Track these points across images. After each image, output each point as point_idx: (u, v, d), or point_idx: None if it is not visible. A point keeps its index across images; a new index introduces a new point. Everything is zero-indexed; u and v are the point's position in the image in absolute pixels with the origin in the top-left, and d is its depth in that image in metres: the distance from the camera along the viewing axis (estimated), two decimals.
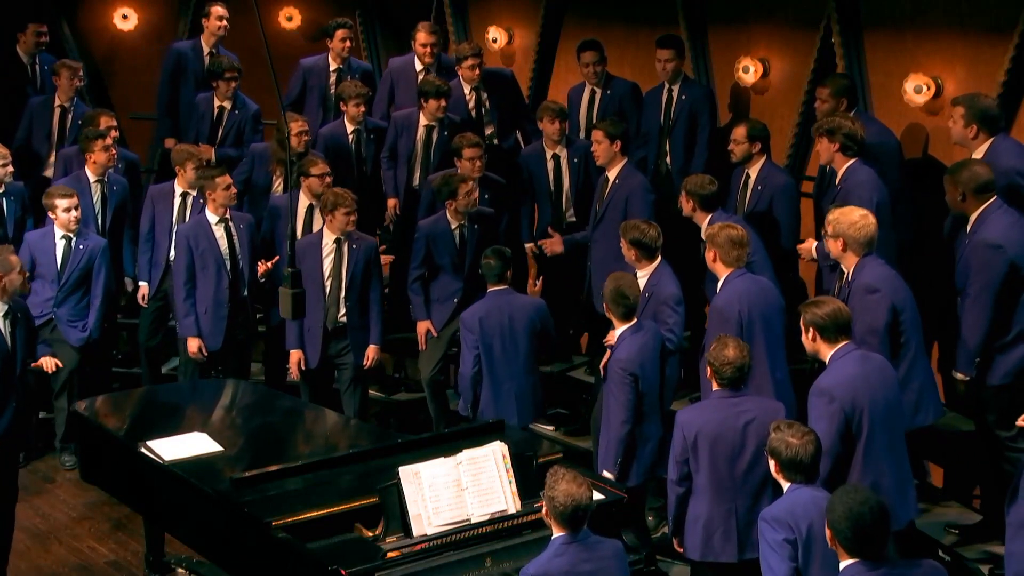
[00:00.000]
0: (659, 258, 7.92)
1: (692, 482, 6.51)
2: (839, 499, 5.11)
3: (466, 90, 10.41)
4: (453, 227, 9.12)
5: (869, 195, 7.74)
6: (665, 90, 9.73)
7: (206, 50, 11.13)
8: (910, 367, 7.13)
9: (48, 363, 8.83)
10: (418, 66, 10.60)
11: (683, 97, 9.67)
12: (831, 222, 7.20)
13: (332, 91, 10.79)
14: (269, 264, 9.07)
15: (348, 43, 10.83)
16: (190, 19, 12.16)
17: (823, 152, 8.06)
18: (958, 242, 7.62)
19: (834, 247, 7.20)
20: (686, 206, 8.31)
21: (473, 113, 10.41)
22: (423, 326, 9.21)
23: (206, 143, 10.59)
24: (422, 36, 10.55)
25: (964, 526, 7.72)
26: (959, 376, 7.45)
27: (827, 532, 5.14)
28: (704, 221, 8.23)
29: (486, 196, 9.41)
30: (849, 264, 7.19)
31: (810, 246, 8.17)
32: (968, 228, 7.43)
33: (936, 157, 8.68)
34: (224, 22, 11.06)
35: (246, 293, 9.23)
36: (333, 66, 10.86)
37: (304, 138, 9.65)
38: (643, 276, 7.87)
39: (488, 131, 10.44)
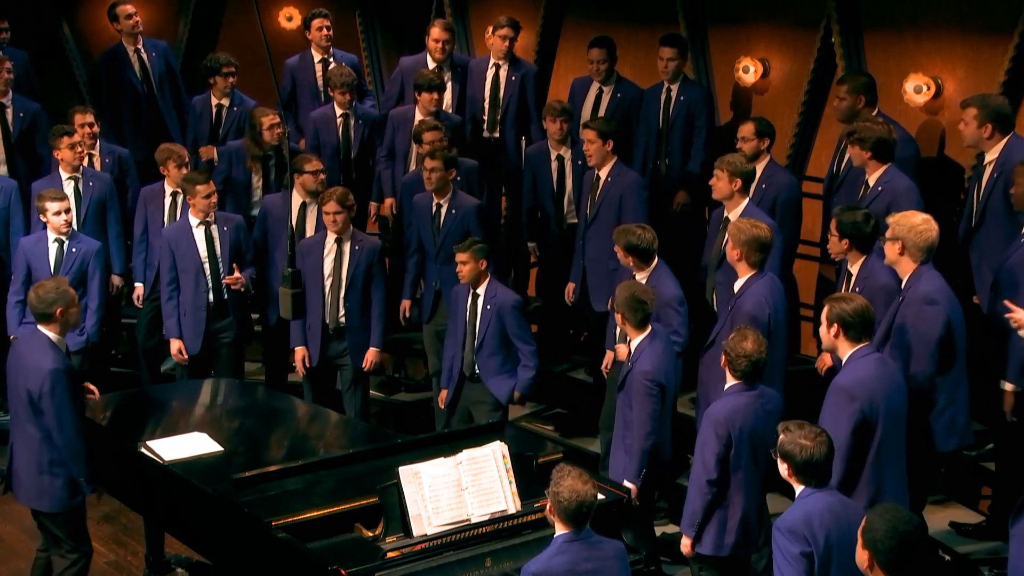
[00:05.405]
0: (656, 260, 7.86)
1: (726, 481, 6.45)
2: (880, 518, 4.85)
3: (488, 63, 10.33)
4: (432, 205, 9.10)
5: (914, 204, 7.52)
6: (664, 89, 9.68)
7: (131, 51, 11.00)
8: (955, 385, 6.89)
9: None
10: (430, 63, 10.43)
11: (681, 98, 9.62)
12: (891, 224, 6.88)
13: (322, 83, 10.76)
14: (239, 276, 9.01)
15: (325, 31, 10.74)
16: (190, 19, 12.15)
17: (855, 158, 7.88)
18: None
19: (891, 250, 6.87)
20: (726, 187, 7.99)
21: (488, 90, 10.27)
22: (405, 304, 9.36)
23: (207, 143, 10.54)
24: (436, 31, 10.37)
25: (968, 525, 7.67)
26: (1008, 387, 7.14)
27: (863, 553, 4.86)
28: (739, 206, 8.02)
29: (458, 178, 9.28)
30: (905, 270, 6.86)
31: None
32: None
33: (934, 157, 8.68)
34: (134, 19, 10.93)
35: (226, 297, 9.18)
36: (318, 57, 10.80)
37: (277, 131, 9.60)
38: (642, 279, 7.78)
39: (486, 117, 10.37)
